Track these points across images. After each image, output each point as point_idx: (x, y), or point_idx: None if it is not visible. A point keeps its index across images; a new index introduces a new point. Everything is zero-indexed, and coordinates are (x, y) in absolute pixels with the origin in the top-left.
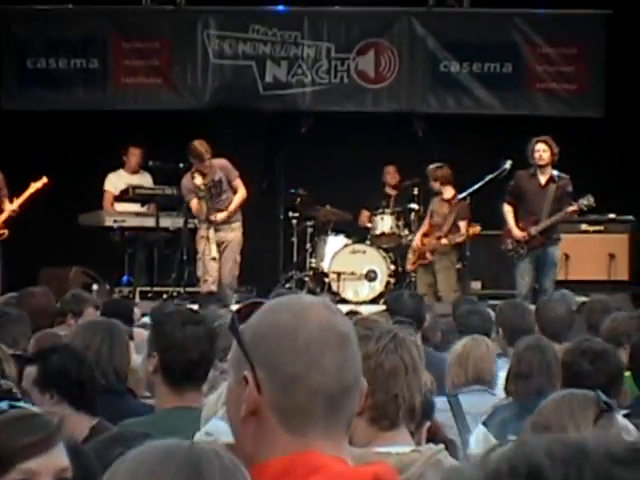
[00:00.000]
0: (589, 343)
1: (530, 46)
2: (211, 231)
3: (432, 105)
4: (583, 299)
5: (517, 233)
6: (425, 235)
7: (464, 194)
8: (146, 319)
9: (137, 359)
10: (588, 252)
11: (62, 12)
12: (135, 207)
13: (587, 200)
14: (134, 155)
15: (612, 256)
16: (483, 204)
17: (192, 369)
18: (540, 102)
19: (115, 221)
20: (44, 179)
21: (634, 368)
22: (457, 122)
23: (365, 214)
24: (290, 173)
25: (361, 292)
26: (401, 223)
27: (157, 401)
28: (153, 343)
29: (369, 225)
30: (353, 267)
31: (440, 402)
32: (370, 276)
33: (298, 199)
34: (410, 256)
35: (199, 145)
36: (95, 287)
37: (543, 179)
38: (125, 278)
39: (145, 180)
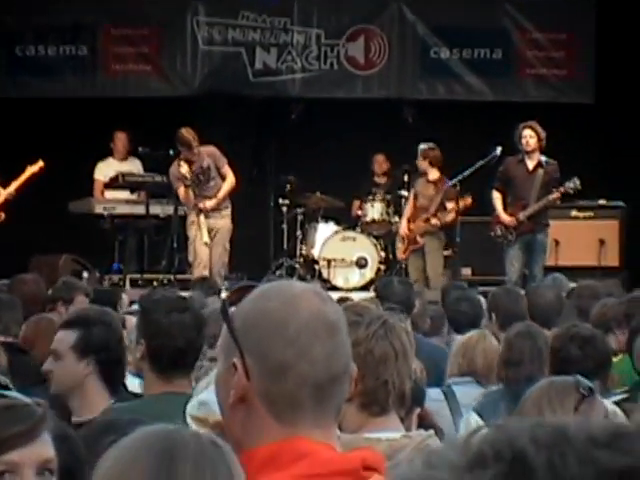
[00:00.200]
0: (577, 329)
1: (520, 32)
2: (202, 217)
3: (422, 91)
4: (573, 285)
5: (505, 219)
6: (410, 220)
7: (454, 180)
8: (136, 306)
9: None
10: (578, 238)
11: None
12: (125, 194)
13: (573, 183)
14: (120, 140)
15: (602, 242)
16: (473, 191)
17: (179, 356)
18: (530, 88)
19: (105, 208)
20: (40, 162)
21: (632, 352)
22: (447, 108)
23: (356, 204)
24: (280, 160)
25: (351, 279)
26: (391, 210)
27: (145, 388)
28: (140, 330)
29: (359, 213)
30: (343, 254)
31: (434, 392)
32: (360, 263)
33: (288, 186)
34: (399, 245)
35: (186, 133)
36: (85, 275)
37: (531, 164)
38: (115, 265)
39: (134, 167)
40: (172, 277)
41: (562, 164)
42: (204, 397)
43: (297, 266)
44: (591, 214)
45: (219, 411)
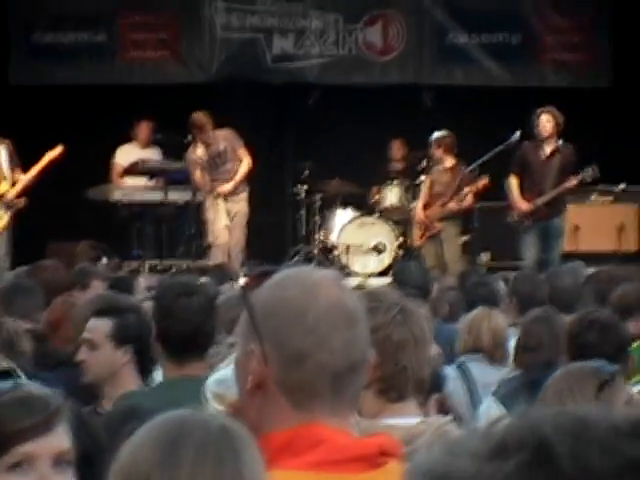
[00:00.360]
0: (595, 314)
1: (539, 16)
2: (220, 200)
3: (440, 77)
4: (591, 270)
5: (522, 205)
6: (426, 207)
7: (473, 165)
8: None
9: None
10: (598, 223)
11: None
12: (143, 181)
13: (592, 171)
14: (144, 129)
15: (622, 227)
16: (491, 176)
17: (188, 340)
18: (548, 73)
19: (124, 195)
20: (59, 148)
21: None
22: (465, 94)
23: (375, 190)
24: (298, 146)
25: (369, 265)
26: (409, 195)
27: (162, 371)
28: (154, 314)
29: (377, 198)
30: (361, 240)
31: (449, 370)
32: (378, 248)
33: (306, 172)
34: (416, 231)
35: (199, 116)
36: (104, 260)
37: (548, 150)
38: (135, 252)
39: (155, 154)
40: (190, 263)
41: (581, 149)
42: (223, 374)
43: (315, 252)
44: (611, 199)
45: (236, 391)
